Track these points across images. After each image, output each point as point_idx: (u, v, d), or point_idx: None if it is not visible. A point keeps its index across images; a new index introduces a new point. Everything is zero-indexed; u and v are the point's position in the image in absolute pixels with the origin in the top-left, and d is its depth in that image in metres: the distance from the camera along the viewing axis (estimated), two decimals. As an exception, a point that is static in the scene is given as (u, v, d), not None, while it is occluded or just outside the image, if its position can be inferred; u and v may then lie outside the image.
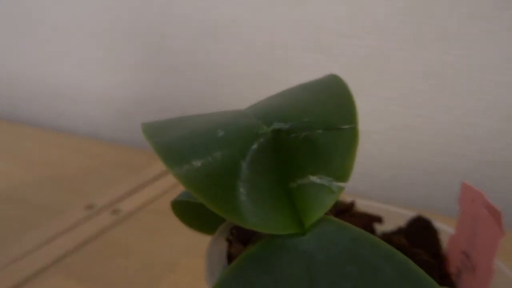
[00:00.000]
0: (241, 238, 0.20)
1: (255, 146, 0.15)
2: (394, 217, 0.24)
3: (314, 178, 0.15)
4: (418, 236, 0.21)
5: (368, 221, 0.22)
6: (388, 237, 0.21)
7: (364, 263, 0.13)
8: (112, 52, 0.60)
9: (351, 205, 0.23)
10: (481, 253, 0.19)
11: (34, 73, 0.68)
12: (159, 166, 0.50)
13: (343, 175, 0.14)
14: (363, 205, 0.24)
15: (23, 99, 0.71)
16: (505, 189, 0.43)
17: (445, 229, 0.22)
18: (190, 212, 0.20)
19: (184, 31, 0.54)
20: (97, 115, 0.65)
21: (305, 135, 0.15)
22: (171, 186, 0.46)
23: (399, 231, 0.22)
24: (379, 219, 0.22)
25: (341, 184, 0.14)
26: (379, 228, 0.23)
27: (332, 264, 0.13)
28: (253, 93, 0.52)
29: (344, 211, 0.22)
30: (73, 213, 0.40)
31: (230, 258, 0.19)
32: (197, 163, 0.15)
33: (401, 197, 0.48)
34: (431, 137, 0.45)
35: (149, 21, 0.56)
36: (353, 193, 0.50)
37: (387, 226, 0.23)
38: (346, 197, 0.24)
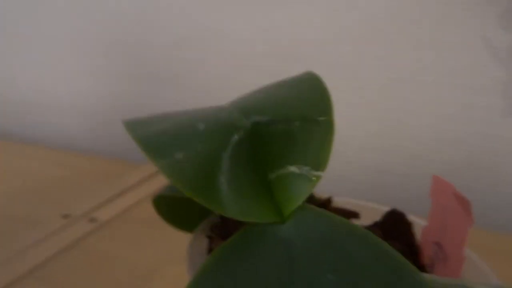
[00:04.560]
0: (222, 235, 0.21)
1: (235, 138, 0.16)
2: (370, 213, 0.24)
3: (292, 168, 0.15)
4: (393, 229, 0.22)
5: (345, 216, 0.23)
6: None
7: (341, 248, 0.14)
8: (90, 61, 0.60)
9: (328, 201, 0.23)
10: (452, 242, 0.20)
11: (9, 83, 0.67)
12: (135, 175, 0.49)
13: (320, 164, 0.15)
14: (341, 201, 0.25)
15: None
16: (479, 190, 0.45)
17: (419, 222, 0.22)
18: (171, 208, 0.20)
19: (163, 40, 0.54)
20: (74, 125, 0.64)
21: (283, 127, 0.16)
22: (147, 195, 0.46)
23: (375, 225, 0.23)
24: (355, 215, 0.23)
25: (318, 173, 0.15)
26: (356, 223, 0.24)
27: (310, 250, 0.14)
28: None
29: (321, 206, 0.22)
30: (49, 223, 0.40)
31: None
32: (179, 155, 0.15)
33: (378, 201, 0.49)
34: (406, 141, 0.46)
35: (128, 30, 0.56)
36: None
37: (364, 221, 0.24)
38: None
